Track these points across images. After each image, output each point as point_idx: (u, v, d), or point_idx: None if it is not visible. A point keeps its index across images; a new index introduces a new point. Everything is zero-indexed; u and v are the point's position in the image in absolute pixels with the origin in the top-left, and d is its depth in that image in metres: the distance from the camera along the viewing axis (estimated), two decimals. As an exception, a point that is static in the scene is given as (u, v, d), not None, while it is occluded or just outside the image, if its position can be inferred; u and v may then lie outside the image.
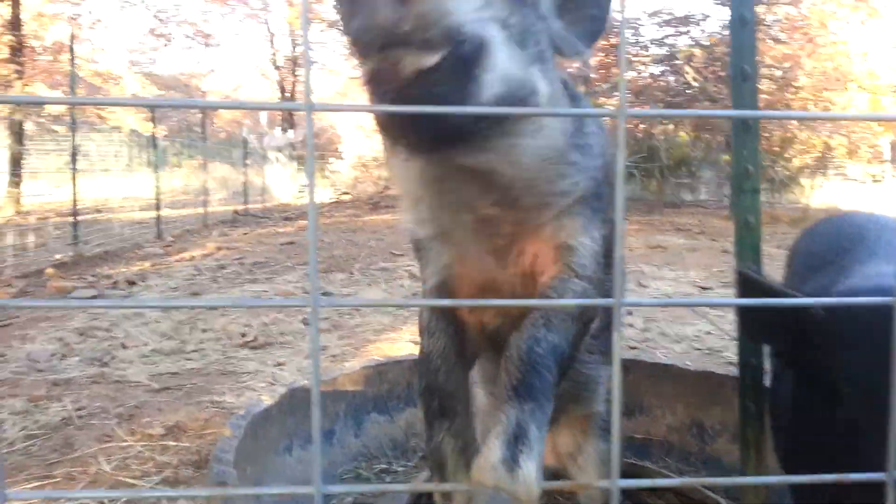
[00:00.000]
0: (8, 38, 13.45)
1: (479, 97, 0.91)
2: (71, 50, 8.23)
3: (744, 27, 1.82)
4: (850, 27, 13.84)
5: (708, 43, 13.88)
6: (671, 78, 14.98)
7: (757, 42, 1.90)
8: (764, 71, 13.23)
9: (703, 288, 6.28)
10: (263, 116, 25.89)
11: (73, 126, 8.18)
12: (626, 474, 1.42)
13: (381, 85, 0.88)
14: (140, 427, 3.01)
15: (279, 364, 3.93)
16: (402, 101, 0.87)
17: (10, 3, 13.59)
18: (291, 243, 9.01)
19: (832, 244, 1.88)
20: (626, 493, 2.10)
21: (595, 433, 1.75)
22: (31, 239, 7.03)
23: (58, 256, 7.03)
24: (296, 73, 24.14)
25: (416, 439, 2.94)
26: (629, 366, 2.86)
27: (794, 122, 13.43)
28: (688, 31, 14.93)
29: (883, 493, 0.75)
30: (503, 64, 0.94)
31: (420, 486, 2.18)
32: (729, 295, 6.00)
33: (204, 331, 4.60)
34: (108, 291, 5.73)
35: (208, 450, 2.80)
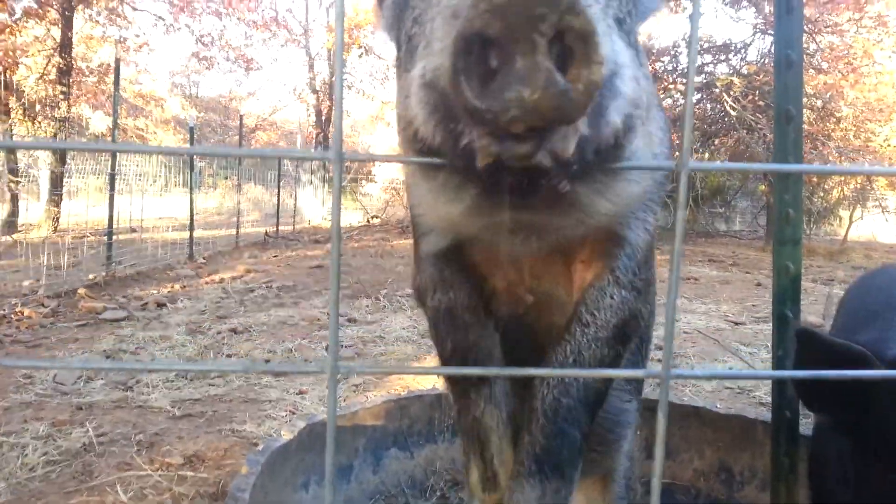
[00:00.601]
0: (56, 59, 13.86)
1: (605, 140, 0.75)
2: (116, 72, 8.40)
3: (789, 68, 1.75)
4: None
5: (747, 72, 13.71)
6: (708, 105, 14.82)
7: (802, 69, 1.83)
8: (805, 101, 13.01)
9: (736, 323, 6.11)
10: (299, 139, 26.24)
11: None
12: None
13: (508, 171, 0.71)
14: (159, 455, 2.99)
15: (301, 392, 3.90)
16: (536, 186, 0.72)
17: (62, 26, 14.01)
18: (320, 267, 9.03)
19: (887, 299, 1.78)
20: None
21: (613, 500, 1.55)
22: (65, 258, 7.14)
23: (91, 276, 7.13)
24: (331, 98, 24.46)
25: (435, 477, 2.88)
26: (654, 406, 2.76)
27: (833, 153, 13.15)
28: (727, 59, 14.78)
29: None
30: (629, 89, 0.78)
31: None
32: (761, 330, 5.82)
33: (228, 356, 4.60)
34: (137, 313, 5.77)
35: (226, 481, 2.77)
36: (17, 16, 13.58)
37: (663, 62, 14.89)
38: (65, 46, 13.98)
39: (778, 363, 1.78)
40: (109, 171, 8.26)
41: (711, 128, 14.50)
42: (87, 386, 3.91)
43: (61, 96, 13.46)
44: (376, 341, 5.15)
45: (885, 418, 1.28)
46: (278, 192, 15.29)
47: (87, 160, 13.21)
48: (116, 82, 8.32)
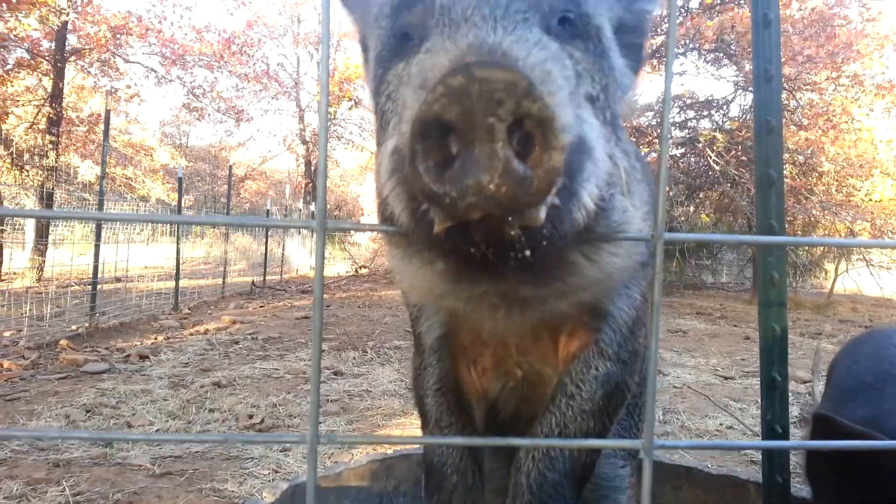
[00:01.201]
0: (47, 109, 13.94)
1: (576, 219, 0.77)
2: (106, 122, 8.45)
3: (769, 134, 1.78)
4: (874, 114, 13.91)
5: (729, 127, 13.99)
6: (693, 159, 15.05)
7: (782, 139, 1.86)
8: (787, 157, 13.26)
9: (725, 378, 6.09)
10: (287, 189, 26.36)
11: (101, 196, 8.33)
12: None
13: (474, 242, 0.72)
14: (137, 517, 2.90)
15: (285, 450, 3.82)
16: (505, 257, 0.72)
17: (53, 77, 14.15)
18: (306, 317, 8.96)
19: (876, 369, 1.77)
20: None
21: None
22: (48, 308, 7.05)
23: (74, 327, 7.03)
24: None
25: (421, 542, 2.80)
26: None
27: (817, 207, 13.34)
28: (709, 115, 15.09)
29: None
30: (599, 172, 0.80)
31: None
32: (751, 385, 5.80)
33: (211, 410, 4.51)
34: (120, 365, 5.68)
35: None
36: (9, 66, 13.71)
37: (647, 117, 15.19)
38: (55, 97, 14.09)
39: (767, 427, 1.77)
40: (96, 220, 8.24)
41: (696, 181, 14.71)
42: (66, 442, 3.80)
43: (50, 146, 13.49)
44: (363, 395, 5.08)
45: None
46: (266, 241, 15.27)
47: (74, 208, 13.17)
48: (106, 133, 8.36)
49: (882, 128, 14.50)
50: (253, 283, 13.35)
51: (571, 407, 1.08)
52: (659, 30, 14.49)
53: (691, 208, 15.15)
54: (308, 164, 25.57)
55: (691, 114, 15.26)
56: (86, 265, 9.54)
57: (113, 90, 17.54)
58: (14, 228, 13.29)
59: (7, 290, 8.46)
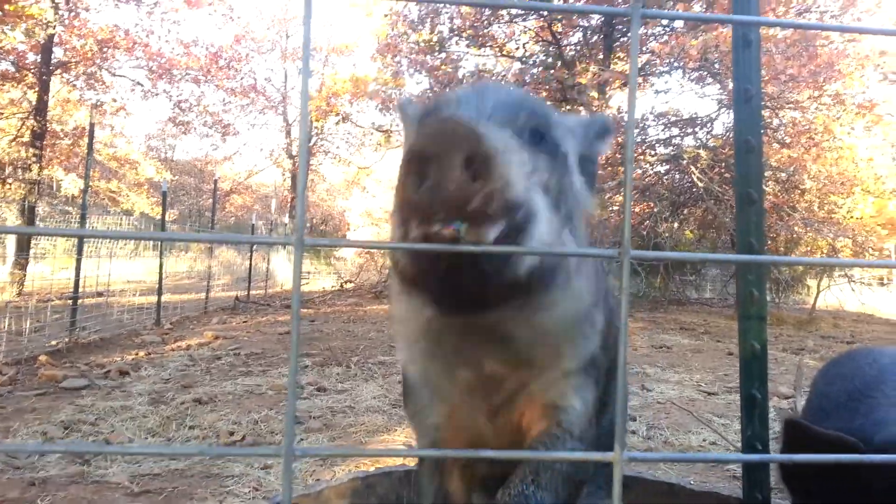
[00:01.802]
0: (31, 122, 13.85)
1: (520, 265, 0.98)
2: (90, 136, 8.41)
3: (749, 153, 1.79)
4: (855, 133, 14.11)
5: (713, 145, 14.13)
6: (677, 176, 15.18)
7: (763, 150, 1.88)
8: (769, 174, 13.39)
9: (709, 393, 6.10)
10: (273, 203, 26.30)
11: (84, 209, 8.27)
12: None
13: (433, 252, 0.93)
14: (113, 537, 2.85)
15: (266, 467, 3.77)
16: (454, 268, 0.93)
17: (38, 90, 14.07)
18: (290, 333, 8.89)
19: (849, 388, 1.80)
20: None
21: None
22: (27, 324, 6.96)
23: (53, 342, 6.94)
24: (309, 164, 24.73)
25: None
26: (629, 483, 2.71)
27: (799, 223, 13.48)
28: (693, 133, 15.24)
29: None
30: (543, 233, 0.99)
31: None
32: (734, 401, 5.81)
33: (191, 427, 4.46)
34: (99, 381, 5.61)
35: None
36: (-6, 79, 13.64)
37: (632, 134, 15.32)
38: (40, 110, 14.02)
39: (747, 443, 1.77)
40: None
41: (680, 198, 14.82)
42: (42, 460, 3.74)
43: (34, 159, 13.39)
44: (346, 411, 5.04)
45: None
46: (251, 256, 15.20)
47: (58, 222, 13.07)
48: (90, 146, 8.31)
49: (862, 146, 14.72)
50: (237, 297, 13.26)
51: (537, 482, 1.20)
52: (645, 48, 14.69)
53: (675, 224, 15.25)
54: (294, 178, 25.53)
55: (675, 131, 15.41)
56: (67, 279, 9.43)
57: (98, 103, 17.47)
58: (-5, 242, 13.16)
59: (-14, 304, 8.35)
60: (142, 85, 19.05)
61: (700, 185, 13.19)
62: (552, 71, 14.29)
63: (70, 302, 7.75)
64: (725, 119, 14.92)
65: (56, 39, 14.80)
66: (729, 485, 3.64)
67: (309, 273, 21.27)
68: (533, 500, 1.11)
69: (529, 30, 15.79)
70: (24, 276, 11.71)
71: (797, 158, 13.85)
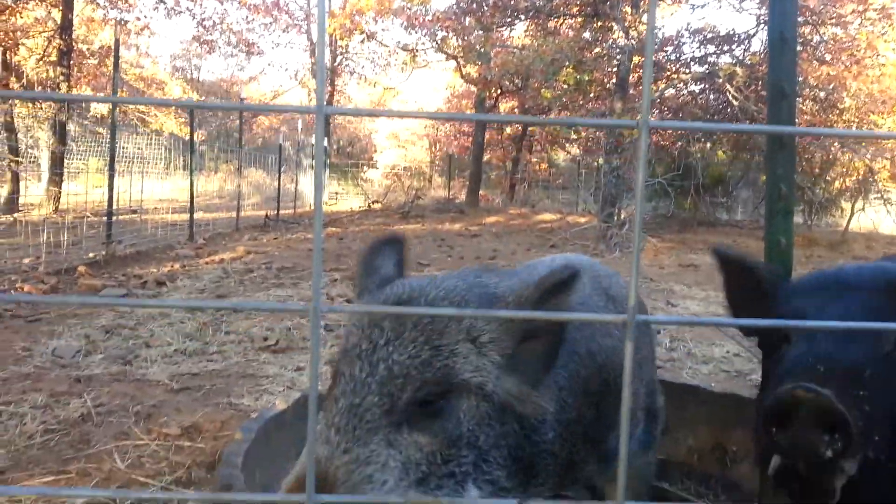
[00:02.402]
0: (57, 41, 13.80)
1: None
2: (116, 54, 8.38)
3: (783, 45, 1.75)
4: (900, 49, 13.48)
5: (750, 62, 13.62)
6: (711, 96, 14.75)
7: (800, 62, 1.84)
8: (807, 92, 12.94)
9: (735, 309, 6.13)
10: (300, 124, 26.18)
11: (113, 128, 8.33)
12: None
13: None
14: (157, 426, 3.01)
15: (299, 368, 3.93)
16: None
17: (62, 8, 13.95)
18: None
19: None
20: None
21: None
22: (65, 237, 7.15)
23: (91, 255, 7.15)
24: (334, 83, 24.41)
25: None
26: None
27: (836, 144, 13.10)
28: (730, 50, 14.68)
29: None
30: None
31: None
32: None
33: (227, 333, 4.62)
34: (137, 291, 5.80)
35: (222, 451, 2.79)
36: (18, -3, 13.54)
37: (666, 52, 14.83)
38: (65, 28, 13.92)
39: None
40: (109, 151, 8.25)
41: (714, 118, 14.43)
42: (86, 360, 3.93)
43: (62, 77, 13.41)
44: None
45: None
46: (279, 175, 15.29)
47: (88, 141, 13.21)
48: (116, 64, 8.30)
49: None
50: (266, 215, 13.43)
51: None
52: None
53: (708, 145, 14.94)
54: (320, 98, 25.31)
55: (711, 48, 14.86)
56: (101, 197, 9.62)
57: (123, 22, 17.31)
58: (30, 161, 13.37)
59: (25, 219, 8.57)
60: (165, 2, 18.79)
61: (735, 103, 12.80)
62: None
63: (105, 218, 7.92)
64: (764, 35, 14.32)
65: (77, -46, 14.59)
66: (751, 392, 3.70)
67: (336, 193, 21.38)
68: None
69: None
70: (59, 192, 11.94)
71: (836, 76, 13.32)
